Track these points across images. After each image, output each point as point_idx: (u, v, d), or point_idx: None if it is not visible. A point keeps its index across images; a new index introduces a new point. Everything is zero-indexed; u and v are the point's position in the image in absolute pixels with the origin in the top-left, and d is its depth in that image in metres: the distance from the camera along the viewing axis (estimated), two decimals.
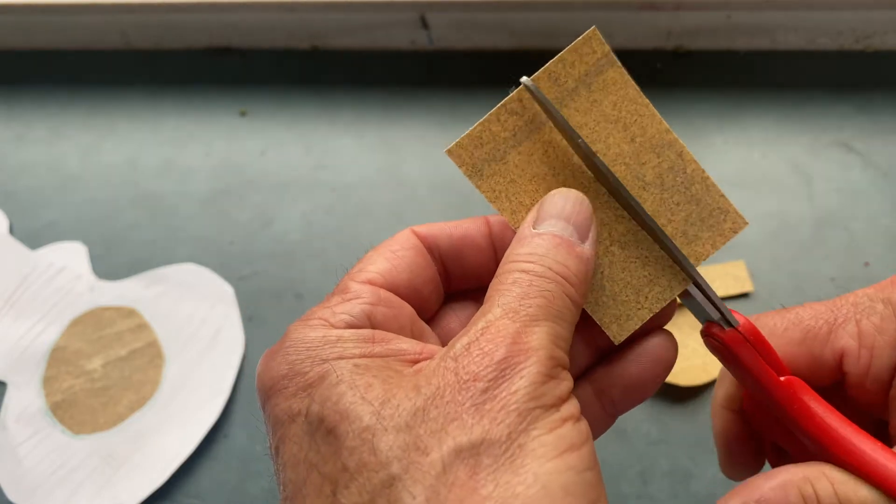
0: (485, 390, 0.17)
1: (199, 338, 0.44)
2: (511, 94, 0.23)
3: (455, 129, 0.52)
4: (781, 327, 0.24)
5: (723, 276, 0.43)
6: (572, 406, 0.18)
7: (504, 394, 0.17)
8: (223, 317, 0.44)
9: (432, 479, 0.16)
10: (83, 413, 0.42)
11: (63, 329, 0.45)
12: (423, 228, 0.23)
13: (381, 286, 0.21)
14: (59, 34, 0.59)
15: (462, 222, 0.23)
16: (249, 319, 0.44)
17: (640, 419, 0.39)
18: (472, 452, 0.16)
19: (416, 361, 0.19)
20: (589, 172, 0.23)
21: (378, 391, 0.18)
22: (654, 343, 0.23)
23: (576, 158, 0.23)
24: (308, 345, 0.19)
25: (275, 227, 0.48)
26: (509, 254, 0.20)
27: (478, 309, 0.20)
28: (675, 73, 0.52)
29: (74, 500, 0.39)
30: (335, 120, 0.53)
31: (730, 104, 0.50)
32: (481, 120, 0.22)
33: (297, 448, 0.18)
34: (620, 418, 0.39)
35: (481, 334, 0.18)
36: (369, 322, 0.20)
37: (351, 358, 0.19)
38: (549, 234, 0.20)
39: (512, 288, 0.19)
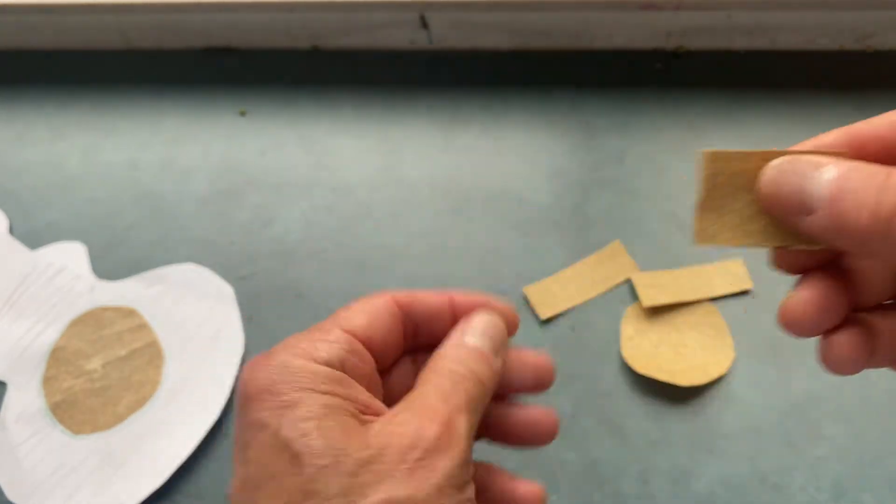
0: (419, 459, 0.22)
1: (199, 338, 0.44)
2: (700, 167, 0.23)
3: (454, 129, 0.52)
4: None
5: (722, 273, 0.43)
6: (471, 489, 0.23)
7: (432, 466, 0.22)
8: (223, 317, 0.45)
9: None
10: (83, 413, 0.42)
11: (63, 329, 0.45)
12: (405, 298, 0.28)
13: (359, 338, 0.26)
14: (60, 34, 0.59)
15: (435, 299, 0.28)
16: (249, 319, 0.45)
17: (639, 419, 0.39)
18: None
19: (365, 412, 0.24)
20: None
21: (338, 437, 0.22)
22: (522, 490, 0.27)
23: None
24: (291, 370, 0.23)
25: (275, 227, 0.48)
26: (444, 351, 0.26)
27: (415, 374, 0.26)
28: (675, 73, 0.52)
29: (74, 499, 0.39)
30: (335, 120, 0.53)
31: (730, 104, 0.50)
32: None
33: (262, 454, 0.22)
34: (619, 417, 0.39)
35: (420, 412, 0.23)
36: (341, 366, 0.25)
37: (322, 393, 0.23)
38: (475, 346, 0.26)
39: (444, 378, 0.25)
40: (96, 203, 0.51)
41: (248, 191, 0.50)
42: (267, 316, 0.45)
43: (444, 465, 0.22)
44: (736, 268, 0.43)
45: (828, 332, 0.23)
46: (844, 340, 0.23)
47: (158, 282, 0.46)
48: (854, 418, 0.38)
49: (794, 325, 0.23)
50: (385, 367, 0.28)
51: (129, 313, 0.46)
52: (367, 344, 0.26)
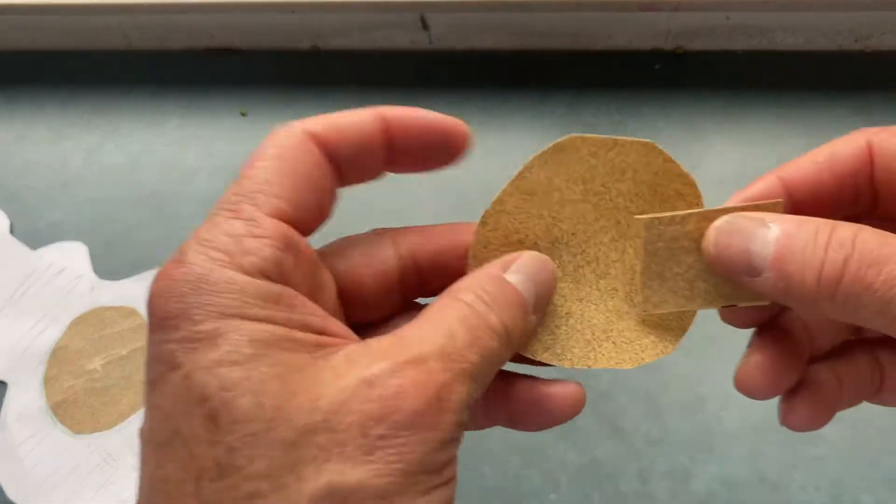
0: (383, 436, 0.16)
1: None
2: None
3: None
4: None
5: None
6: (451, 469, 0.18)
7: (400, 448, 0.16)
8: None
9: None
10: (84, 412, 0.42)
11: (64, 329, 0.45)
12: (320, 129, 0.20)
13: (290, 222, 0.18)
14: (61, 35, 0.59)
15: (356, 117, 0.20)
16: None
17: (639, 418, 0.39)
18: (343, 495, 0.16)
19: (317, 342, 0.18)
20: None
21: (273, 391, 0.16)
22: (561, 389, 0.22)
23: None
24: (209, 287, 0.17)
25: None
26: (471, 283, 0.19)
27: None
28: (674, 74, 0.52)
29: (75, 499, 0.40)
30: None
31: (728, 105, 0.50)
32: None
33: (170, 405, 0.17)
34: (619, 417, 0.39)
35: (409, 368, 0.17)
36: (279, 274, 0.18)
37: (252, 320, 0.17)
38: (517, 290, 0.20)
39: (459, 327, 0.18)
40: (98, 203, 0.51)
41: None
42: None
43: (416, 449, 0.16)
44: None
45: (787, 395, 0.22)
46: (803, 409, 0.22)
47: None
48: (852, 418, 0.38)
49: (749, 392, 0.22)
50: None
51: (130, 313, 0.46)
52: (302, 223, 0.19)
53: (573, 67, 0.54)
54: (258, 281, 0.17)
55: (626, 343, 0.23)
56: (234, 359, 0.16)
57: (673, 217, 0.22)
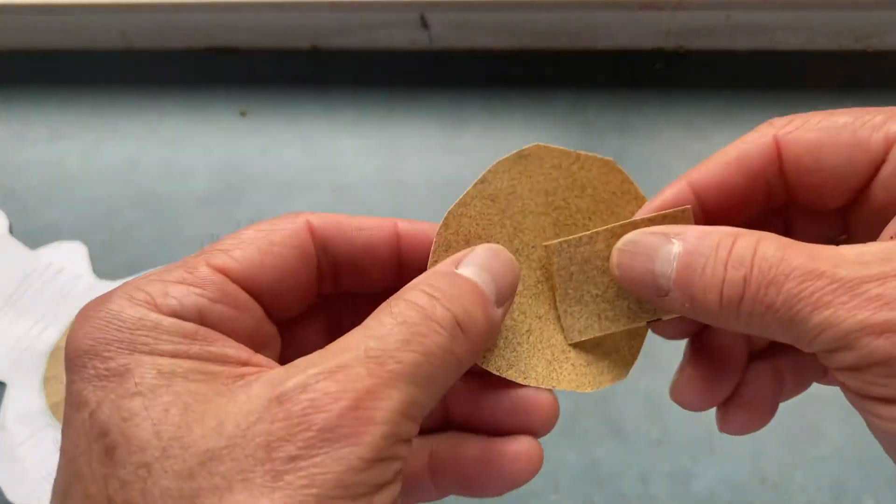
0: (292, 458, 0.14)
1: None
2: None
3: (455, 129, 0.52)
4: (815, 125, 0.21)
5: None
6: (386, 496, 0.16)
7: (312, 470, 0.14)
8: None
9: None
10: None
11: (63, 329, 0.45)
12: (322, 223, 0.20)
13: (236, 279, 0.18)
14: (59, 34, 0.59)
15: (368, 225, 0.20)
16: None
17: (640, 419, 0.39)
18: None
19: (238, 373, 0.17)
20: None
21: (174, 419, 0.15)
22: (514, 447, 0.20)
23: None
24: (121, 324, 0.16)
25: None
26: (417, 281, 0.18)
27: (329, 331, 0.19)
28: (675, 73, 0.52)
29: None
30: (335, 120, 0.53)
31: (730, 104, 0.50)
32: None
33: (73, 447, 0.16)
34: (619, 417, 0.39)
35: (325, 378, 0.15)
36: (198, 317, 0.17)
37: (161, 356, 0.16)
38: (472, 281, 0.19)
39: (394, 326, 0.16)
40: (96, 203, 0.51)
41: (248, 191, 0.50)
42: None
43: (331, 469, 0.15)
44: None
45: (722, 403, 0.22)
46: (739, 416, 0.22)
47: None
48: (853, 418, 0.38)
49: (685, 406, 0.22)
50: (286, 319, 0.20)
51: None
52: (251, 285, 0.19)
53: (573, 67, 0.53)
54: (171, 320, 0.17)
55: (583, 366, 0.23)
56: (138, 391, 0.16)
57: (580, 238, 0.21)
